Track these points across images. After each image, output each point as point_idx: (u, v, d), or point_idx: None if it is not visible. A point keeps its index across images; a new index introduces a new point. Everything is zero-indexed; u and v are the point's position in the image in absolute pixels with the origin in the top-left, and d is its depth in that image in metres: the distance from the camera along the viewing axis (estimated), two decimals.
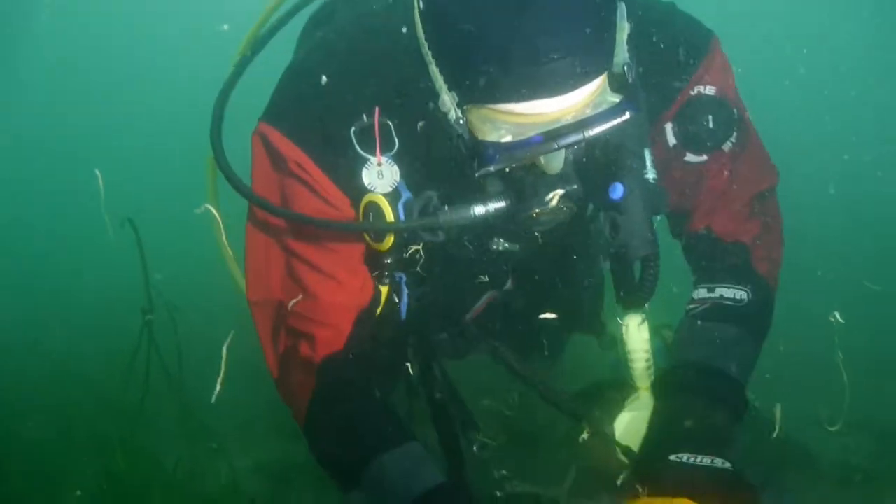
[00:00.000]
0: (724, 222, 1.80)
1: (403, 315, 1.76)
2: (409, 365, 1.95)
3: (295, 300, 1.64)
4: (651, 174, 1.60)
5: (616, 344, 1.86)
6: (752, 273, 1.77)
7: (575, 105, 1.28)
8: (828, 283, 3.80)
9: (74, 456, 2.96)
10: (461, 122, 1.34)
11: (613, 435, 1.71)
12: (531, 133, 1.29)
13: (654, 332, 1.84)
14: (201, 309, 4.10)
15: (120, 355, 3.51)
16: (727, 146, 1.72)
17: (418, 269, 1.71)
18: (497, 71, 1.24)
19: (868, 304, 3.32)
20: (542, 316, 1.93)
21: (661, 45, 1.46)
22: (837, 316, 1.74)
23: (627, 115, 1.30)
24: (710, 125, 1.69)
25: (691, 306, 1.78)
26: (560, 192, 1.44)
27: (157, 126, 10.94)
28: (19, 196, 9.07)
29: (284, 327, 1.69)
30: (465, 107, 1.33)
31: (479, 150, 1.34)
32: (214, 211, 2.40)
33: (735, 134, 1.72)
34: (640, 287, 1.65)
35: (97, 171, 1.93)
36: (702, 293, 1.78)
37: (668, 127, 1.72)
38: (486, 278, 1.88)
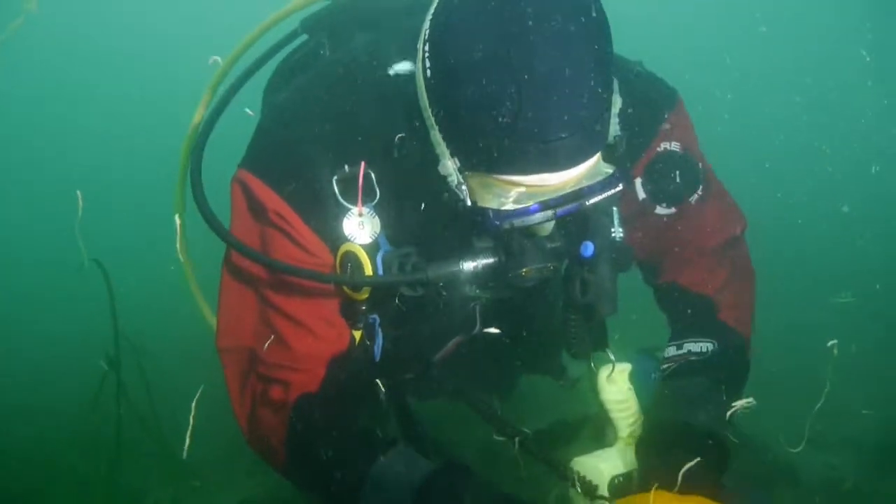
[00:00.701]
0: (689, 274, 1.86)
1: (377, 357, 1.76)
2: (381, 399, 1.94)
3: (267, 347, 1.63)
4: (619, 232, 1.68)
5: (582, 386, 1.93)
6: (716, 324, 1.82)
7: (575, 177, 1.34)
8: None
9: (53, 496, 2.89)
10: (462, 187, 1.39)
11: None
12: (531, 202, 1.35)
13: (645, 354, 1.90)
14: (171, 343, 4.08)
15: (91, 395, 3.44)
16: (693, 198, 1.80)
17: (393, 316, 1.72)
18: (505, 145, 1.27)
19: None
20: (489, 330, 1.92)
21: (628, 104, 1.53)
22: (834, 350, 1.75)
23: (621, 187, 1.37)
24: (678, 179, 1.77)
25: (664, 366, 1.81)
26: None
27: (117, 163, 10.72)
28: None
29: (255, 374, 1.67)
30: (466, 173, 1.38)
31: (479, 214, 1.39)
32: (184, 259, 2.43)
33: (700, 187, 1.79)
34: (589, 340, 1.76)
35: (78, 193, 1.91)
36: (671, 351, 1.81)
37: (638, 182, 1.79)
38: (456, 324, 1.90)
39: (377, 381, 1.76)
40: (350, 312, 1.69)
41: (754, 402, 1.64)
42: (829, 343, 1.67)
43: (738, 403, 1.64)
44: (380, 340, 1.73)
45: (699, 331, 1.80)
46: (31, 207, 9.40)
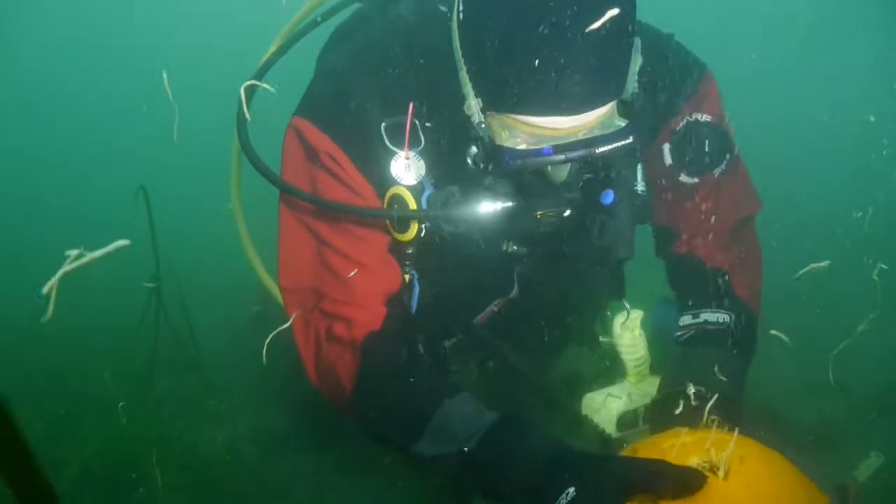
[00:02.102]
0: (706, 247, 1.91)
1: (413, 309, 1.82)
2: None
3: (327, 286, 1.71)
4: (640, 187, 1.76)
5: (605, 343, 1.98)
6: (734, 298, 1.86)
7: (587, 124, 1.42)
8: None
9: (79, 417, 3.03)
10: (482, 125, 1.49)
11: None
12: (544, 144, 1.43)
13: (661, 302, 2.01)
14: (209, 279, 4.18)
15: (125, 320, 3.54)
16: (717, 171, 1.85)
17: (434, 268, 1.80)
18: (524, 85, 1.37)
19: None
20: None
21: (657, 69, 1.57)
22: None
23: (631, 139, 1.44)
24: (705, 149, 1.82)
25: (678, 334, 1.85)
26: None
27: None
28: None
29: (318, 311, 1.74)
30: (488, 112, 1.48)
31: (496, 153, 1.49)
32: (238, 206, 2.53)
33: (726, 160, 1.84)
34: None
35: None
36: (687, 320, 1.85)
37: (666, 147, 1.84)
38: (493, 284, 1.97)
39: (416, 338, 1.82)
40: (396, 258, 1.76)
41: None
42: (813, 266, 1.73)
43: None
44: (416, 292, 1.80)
45: (716, 302, 1.85)
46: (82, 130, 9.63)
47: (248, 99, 1.68)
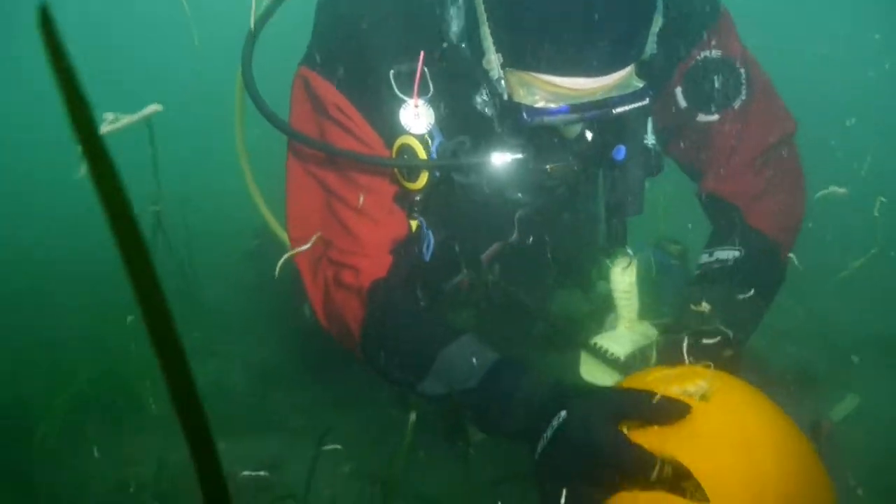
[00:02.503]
0: (730, 183, 1.89)
1: (427, 258, 1.86)
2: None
3: (334, 235, 1.74)
4: (651, 140, 1.76)
5: (602, 287, 2.03)
6: (747, 231, 1.84)
7: (606, 85, 1.44)
8: None
9: (72, 350, 3.05)
10: (501, 81, 1.51)
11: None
12: (562, 103, 1.45)
13: (656, 247, 2.06)
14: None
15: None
16: (737, 103, 1.82)
17: (441, 215, 1.82)
18: (547, 45, 1.38)
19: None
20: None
21: (669, 17, 1.56)
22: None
23: (647, 101, 1.47)
24: (717, 85, 1.81)
25: (696, 272, 1.87)
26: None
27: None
28: None
29: (326, 258, 1.77)
30: (507, 69, 1.48)
31: (513, 110, 1.51)
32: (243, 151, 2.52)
33: (743, 91, 1.82)
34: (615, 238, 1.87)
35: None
36: (704, 258, 1.86)
37: (678, 91, 1.84)
38: (494, 229, 1.99)
39: (421, 284, 1.87)
40: (404, 206, 1.79)
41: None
42: None
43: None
44: (430, 240, 1.83)
45: (728, 238, 1.85)
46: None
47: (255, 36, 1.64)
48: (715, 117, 1.84)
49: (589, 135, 1.65)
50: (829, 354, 3.09)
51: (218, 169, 3.41)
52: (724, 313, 1.67)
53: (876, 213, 1.81)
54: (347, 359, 2.29)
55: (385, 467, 1.97)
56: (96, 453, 2.26)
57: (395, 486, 1.92)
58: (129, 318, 2.34)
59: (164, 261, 3.30)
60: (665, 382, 1.44)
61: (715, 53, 1.81)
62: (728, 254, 1.82)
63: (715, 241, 1.88)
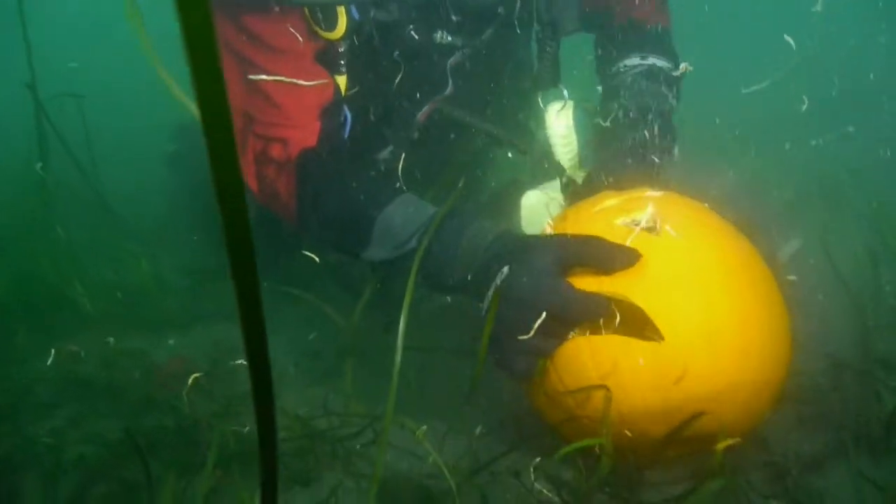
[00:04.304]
0: (643, 9, 1.97)
1: (346, 132, 1.81)
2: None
3: (258, 107, 1.67)
4: None
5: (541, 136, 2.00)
6: (674, 52, 1.95)
7: None
8: None
9: None
10: None
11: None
12: None
13: (575, 108, 1.95)
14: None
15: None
16: None
17: (368, 63, 1.75)
18: None
19: None
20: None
21: None
22: None
23: None
24: None
25: (624, 68, 1.89)
26: None
27: None
28: None
29: (252, 134, 1.71)
30: None
31: None
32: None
33: None
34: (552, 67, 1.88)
35: None
36: (635, 60, 1.89)
37: None
38: (428, 83, 1.94)
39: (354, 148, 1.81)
40: (328, 61, 1.71)
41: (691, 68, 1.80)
42: None
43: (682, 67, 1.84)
44: (347, 114, 1.78)
45: (662, 51, 1.92)
46: None
47: None
48: None
49: None
50: (785, 200, 3.11)
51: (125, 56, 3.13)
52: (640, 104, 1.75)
53: None
54: (287, 251, 2.23)
55: (339, 342, 1.94)
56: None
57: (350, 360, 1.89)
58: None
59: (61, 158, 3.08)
60: (612, 213, 1.42)
61: None
62: (664, 63, 1.89)
63: (643, 48, 1.93)
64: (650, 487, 1.42)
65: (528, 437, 1.56)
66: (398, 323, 1.69)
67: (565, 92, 1.86)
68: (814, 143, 3.34)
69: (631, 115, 1.72)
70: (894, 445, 1.50)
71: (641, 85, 1.82)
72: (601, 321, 1.30)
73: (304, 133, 1.67)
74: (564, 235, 1.41)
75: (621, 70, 1.89)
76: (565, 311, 1.30)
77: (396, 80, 1.85)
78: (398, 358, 1.32)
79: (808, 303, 1.96)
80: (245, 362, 0.53)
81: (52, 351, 2.06)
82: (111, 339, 2.15)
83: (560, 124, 1.77)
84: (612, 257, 1.31)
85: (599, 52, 2.01)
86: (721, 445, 1.29)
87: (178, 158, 3.52)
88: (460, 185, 1.97)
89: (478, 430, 1.64)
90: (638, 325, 1.30)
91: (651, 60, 1.89)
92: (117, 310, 2.50)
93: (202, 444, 1.61)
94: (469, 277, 1.46)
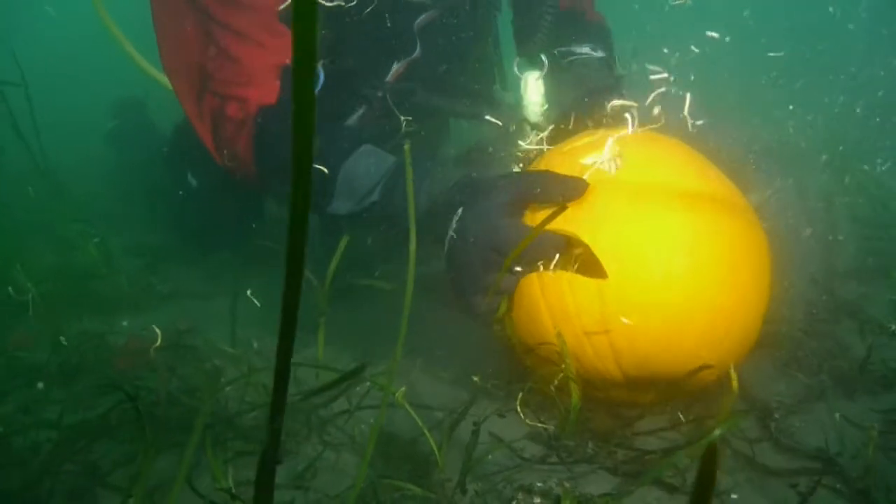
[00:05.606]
0: (585, 4, 2.08)
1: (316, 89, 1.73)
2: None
3: (216, 64, 1.62)
4: None
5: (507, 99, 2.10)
6: (611, 45, 2.06)
7: None
8: None
9: None
10: None
11: None
12: None
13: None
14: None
15: None
16: None
17: (335, 23, 1.72)
18: None
19: None
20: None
21: None
22: None
23: None
24: None
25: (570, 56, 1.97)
26: None
27: None
28: None
29: (209, 92, 1.66)
30: None
31: None
32: None
33: None
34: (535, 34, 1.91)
35: None
36: (585, 49, 1.97)
37: None
38: (396, 44, 1.93)
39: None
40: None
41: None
42: None
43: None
44: (321, 77, 1.73)
45: (601, 43, 2.00)
46: None
47: None
48: None
49: None
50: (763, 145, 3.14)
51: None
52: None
53: None
54: (239, 222, 2.15)
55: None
56: None
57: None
58: None
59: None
60: (581, 153, 1.40)
61: None
62: (600, 53, 1.97)
63: (585, 40, 2.00)
64: (648, 435, 1.41)
65: (510, 382, 1.54)
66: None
67: (543, 57, 1.87)
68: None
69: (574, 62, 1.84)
70: (868, 386, 1.53)
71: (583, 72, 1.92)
72: (553, 257, 1.30)
73: (262, 91, 1.62)
74: (517, 173, 1.42)
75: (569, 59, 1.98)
76: (513, 248, 1.30)
77: (363, 38, 1.82)
78: (404, 327, 1.26)
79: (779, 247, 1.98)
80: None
81: None
82: (60, 324, 2.05)
83: (535, 92, 1.83)
84: (560, 190, 1.31)
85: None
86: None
87: (120, 135, 3.38)
88: (422, 133, 1.96)
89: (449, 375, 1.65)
90: (585, 262, 1.30)
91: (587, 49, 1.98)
92: (67, 292, 2.38)
93: (170, 420, 1.53)
94: (432, 229, 1.45)
